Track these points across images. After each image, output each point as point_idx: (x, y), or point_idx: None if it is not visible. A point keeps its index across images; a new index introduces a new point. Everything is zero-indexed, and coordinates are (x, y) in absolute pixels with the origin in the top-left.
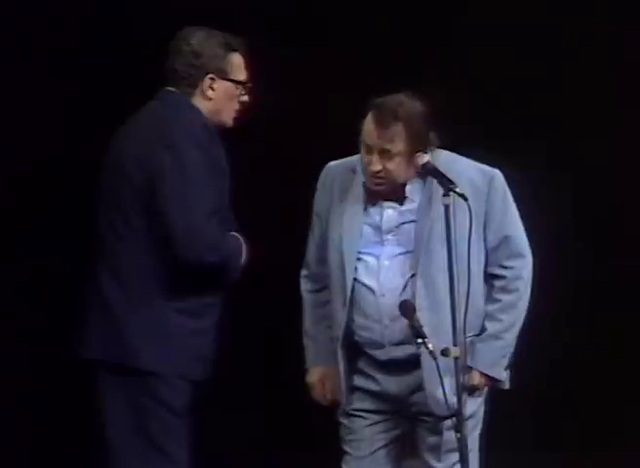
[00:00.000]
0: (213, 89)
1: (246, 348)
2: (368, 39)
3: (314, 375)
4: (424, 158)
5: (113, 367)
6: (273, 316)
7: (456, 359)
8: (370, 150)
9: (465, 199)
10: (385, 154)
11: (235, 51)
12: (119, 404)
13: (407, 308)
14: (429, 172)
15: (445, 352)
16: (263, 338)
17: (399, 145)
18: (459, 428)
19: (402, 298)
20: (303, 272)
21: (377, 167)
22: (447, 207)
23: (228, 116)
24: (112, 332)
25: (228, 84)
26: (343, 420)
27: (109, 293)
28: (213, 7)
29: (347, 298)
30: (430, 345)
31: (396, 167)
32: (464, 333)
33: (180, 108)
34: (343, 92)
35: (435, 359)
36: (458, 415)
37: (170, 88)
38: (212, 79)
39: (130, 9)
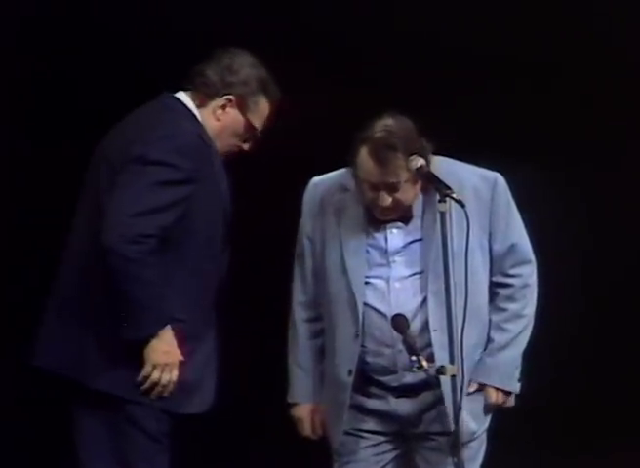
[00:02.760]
0: (224, 110)
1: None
2: (371, 47)
3: (304, 411)
4: (418, 161)
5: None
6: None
7: (453, 377)
8: (375, 188)
9: (463, 205)
10: (393, 187)
11: (267, 96)
12: (94, 424)
13: (399, 323)
14: (424, 176)
15: (441, 370)
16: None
17: (404, 175)
18: (455, 452)
19: (416, 322)
20: (299, 299)
21: (387, 202)
22: (443, 214)
23: (221, 149)
24: (70, 346)
25: (240, 118)
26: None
27: (70, 302)
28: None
29: (360, 329)
30: (425, 362)
31: (406, 194)
32: (462, 350)
33: (177, 113)
34: (344, 96)
35: (433, 375)
36: (455, 438)
37: (176, 94)
38: (229, 101)
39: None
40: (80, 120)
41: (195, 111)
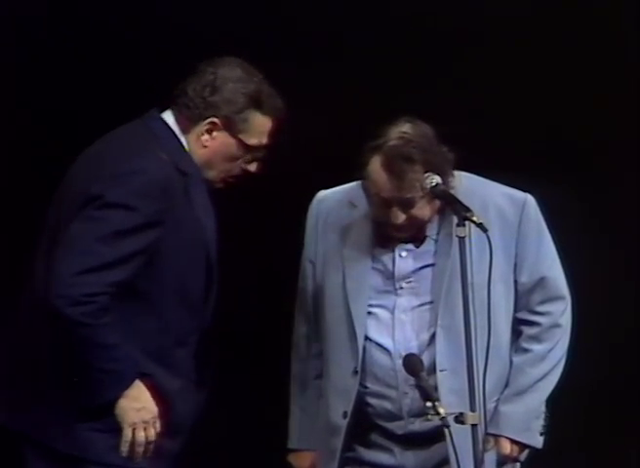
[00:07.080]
0: (211, 135)
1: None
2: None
3: (306, 461)
4: (434, 179)
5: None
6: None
7: (473, 426)
8: (387, 203)
9: (485, 230)
10: (407, 203)
11: (261, 110)
12: None
13: (412, 364)
14: (439, 195)
15: (460, 418)
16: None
17: (420, 189)
18: None
19: (424, 360)
20: (302, 331)
21: (400, 219)
22: (462, 239)
23: (217, 177)
24: (32, 404)
25: (231, 140)
26: None
27: (30, 356)
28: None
29: (359, 364)
30: (442, 410)
31: (422, 210)
32: (485, 396)
33: (152, 140)
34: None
35: (448, 427)
36: None
37: (164, 114)
38: (214, 124)
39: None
40: (81, 122)
41: (181, 137)
